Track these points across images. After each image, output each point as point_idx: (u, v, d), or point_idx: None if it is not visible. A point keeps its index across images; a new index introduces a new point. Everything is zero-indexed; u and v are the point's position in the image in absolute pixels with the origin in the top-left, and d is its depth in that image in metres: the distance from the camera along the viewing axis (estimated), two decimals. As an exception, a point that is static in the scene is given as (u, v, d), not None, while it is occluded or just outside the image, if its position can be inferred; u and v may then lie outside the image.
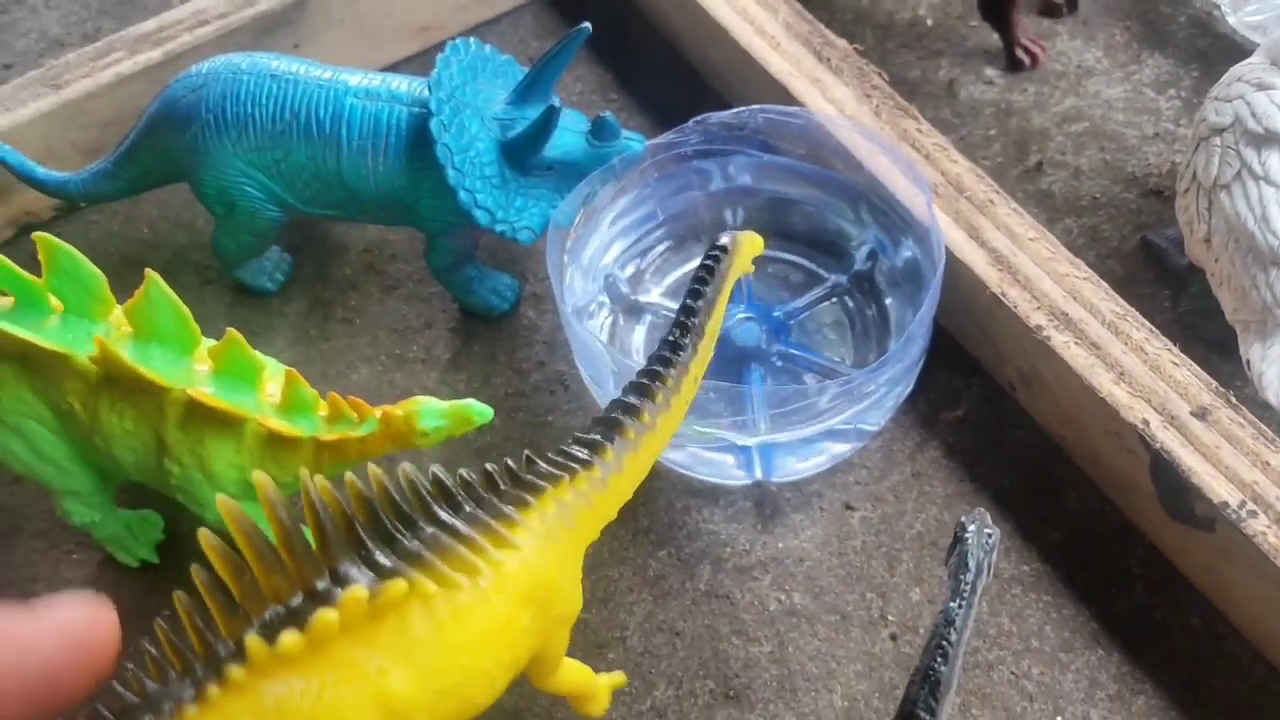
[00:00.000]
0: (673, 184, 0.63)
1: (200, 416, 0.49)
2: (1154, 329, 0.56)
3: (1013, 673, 0.53)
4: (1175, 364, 0.54)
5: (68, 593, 0.32)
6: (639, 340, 0.62)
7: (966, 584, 0.44)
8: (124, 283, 0.52)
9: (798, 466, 0.57)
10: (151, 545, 0.57)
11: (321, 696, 0.37)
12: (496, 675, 0.41)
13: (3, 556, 0.58)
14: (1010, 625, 0.54)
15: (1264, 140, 0.55)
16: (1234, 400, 0.53)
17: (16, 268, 0.50)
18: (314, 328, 0.65)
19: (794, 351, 0.60)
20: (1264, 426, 0.52)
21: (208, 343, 0.50)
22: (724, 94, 0.72)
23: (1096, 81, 0.74)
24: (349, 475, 0.38)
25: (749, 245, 0.50)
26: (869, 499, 0.58)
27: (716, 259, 0.48)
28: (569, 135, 0.58)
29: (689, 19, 0.72)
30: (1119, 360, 0.55)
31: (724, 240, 0.48)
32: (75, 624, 0.33)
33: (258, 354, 0.50)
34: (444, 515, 0.40)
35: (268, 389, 0.50)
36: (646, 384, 0.45)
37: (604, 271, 0.62)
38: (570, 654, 0.46)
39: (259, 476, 0.37)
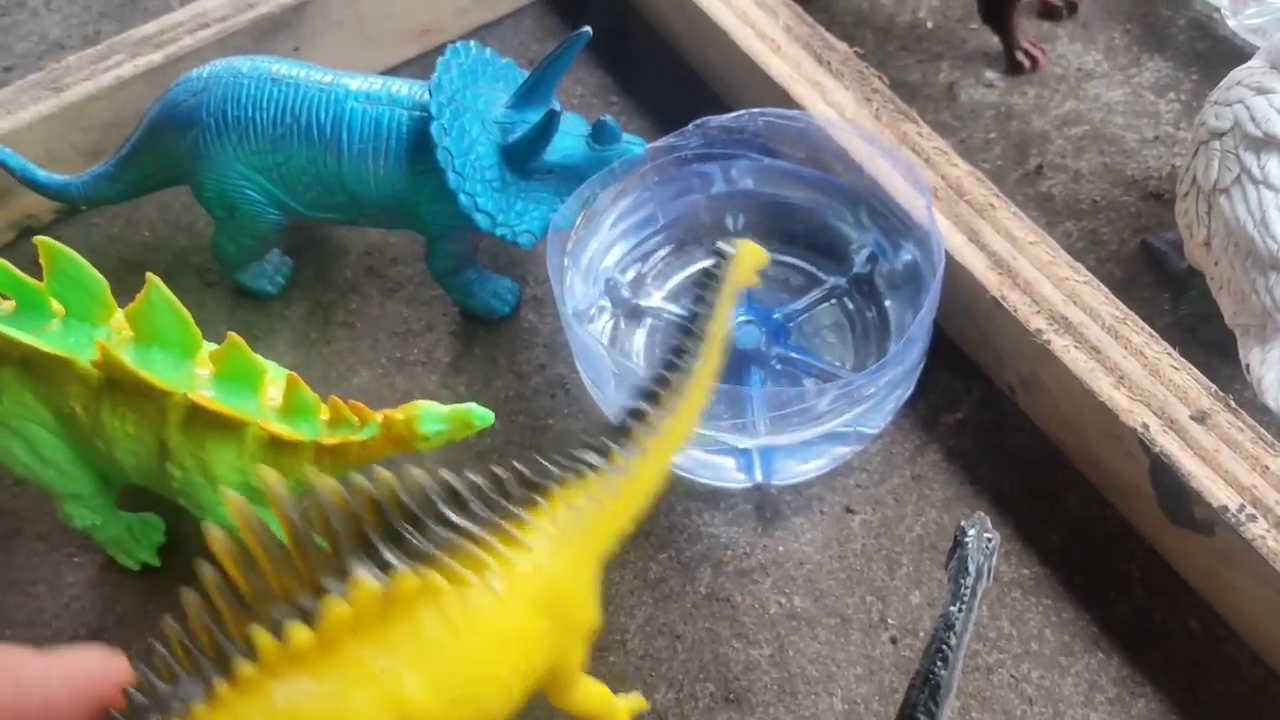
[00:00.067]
0: (673, 187, 0.63)
1: (202, 420, 0.49)
2: (1154, 333, 0.56)
3: (1013, 676, 0.53)
4: (1175, 368, 0.54)
5: (86, 645, 0.32)
6: (640, 344, 0.62)
7: (966, 588, 0.44)
8: (125, 285, 0.53)
9: (798, 469, 0.58)
10: (153, 548, 0.57)
11: (332, 699, 0.36)
12: (513, 683, 0.40)
13: (4, 559, 0.58)
14: (1010, 628, 0.54)
15: (1263, 144, 0.55)
16: (1233, 404, 0.53)
17: (18, 272, 0.50)
18: (315, 331, 0.66)
19: (794, 354, 0.60)
20: (1263, 430, 0.52)
21: (209, 346, 0.51)
22: (724, 97, 0.72)
23: (1096, 84, 0.74)
24: (356, 476, 0.38)
25: (750, 254, 0.49)
26: (869, 502, 0.58)
27: (717, 265, 0.47)
28: (569, 139, 0.58)
29: (689, 22, 0.72)
30: (1119, 364, 0.55)
31: (723, 246, 0.48)
32: (83, 669, 0.33)
33: (259, 358, 0.50)
34: (453, 516, 0.39)
35: (269, 393, 0.50)
36: (652, 389, 0.44)
37: (605, 275, 0.62)
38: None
39: (268, 475, 0.37)
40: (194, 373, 0.50)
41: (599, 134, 0.58)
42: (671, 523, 0.58)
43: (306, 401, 0.49)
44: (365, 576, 0.36)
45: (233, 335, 0.49)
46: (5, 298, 0.51)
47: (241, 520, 0.36)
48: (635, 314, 0.62)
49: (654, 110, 0.74)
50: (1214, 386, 0.54)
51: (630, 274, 0.63)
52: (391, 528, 0.38)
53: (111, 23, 0.82)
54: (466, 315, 0.65)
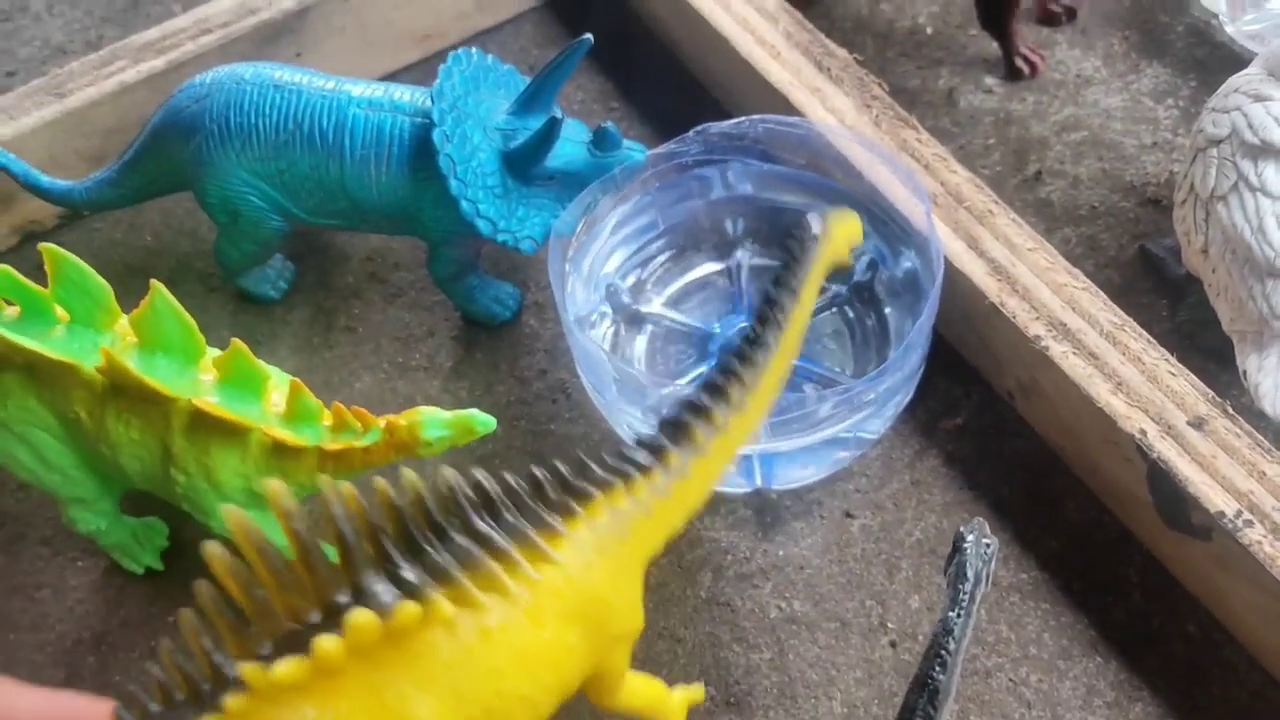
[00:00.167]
0: (674, 193, 0.63)
1: (205, 426, 0.49)
2: (1151, 339, 0.56)
3: (1011, 680, 0.53)
4: (1172, 374, 0.55)
5: (76, 694, 0.31)
6: (640, 349, 0.62)
7: (965, 593, 0.45)
8: (127, 290, 0.53)
9: (798, 474, 0.58)
10: (156, 552, 0.58)
11: None
12: (539, 699, 0.38)
13: (9, 563, 0.59)
14: (1009, 633, 0.55)
15: (1260, 152, 0.55)
16: (1230, 410, 0.54)
17: (23, 278, 0.51)
18: (317, 336, 0.66)
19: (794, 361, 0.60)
20: (1260, 436, 0.53)
21: (213, 352, 0.51)
22: (724, 103, 0.73)
23: (1095, 90, 0.74)
24: (379, 481, 0.36)
25: (845, 227, 0.44)
26: (869, 507, 0.59)
27: (802, 244, 0.43)
28: (570, 145, 0.59)
29: (689, 28, 0.73)
30: (1117, 370, 0.55)
31: (811, 223, 0.44)
32: (71, 713, 0.32)
33: (262, 364, 0.50)
34: (480, 525, 0.37)
35: (272, 398, 0.50)
36: (720, 382, 0.41)
37: (605, 281, 0.62)
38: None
39: (273, 485, 0.35)
40: (198, 378, 0.50)
41: (600, 140, 0.58)
42: (672, 527, 0.58)
43: (310, 407, 0.49)
44: (359, 611, 0.34)
45: (236, 341, 0.49)
46: (10, 304, 0.51)
47: (241, 535, 0.34)
48: (636, 319, 0.62)
49: (654, 116, 0.74)
50: (1211, 392, 0.54)
51: (631, 279, 0.64)
52: (413, 538, 0.36)
53: (114, 28, 0.82)
54: (468, 320, 0.66)
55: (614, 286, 0.62)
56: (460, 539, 0.36)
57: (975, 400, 0.62)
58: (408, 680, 0.35)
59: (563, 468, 0.39)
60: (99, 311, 0.51)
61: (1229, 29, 0.75)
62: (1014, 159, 0.71)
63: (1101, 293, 0.58)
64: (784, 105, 0.66)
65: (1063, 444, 0.59)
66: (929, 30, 0.78)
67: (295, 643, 0.34)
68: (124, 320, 0.51)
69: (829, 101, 0.66)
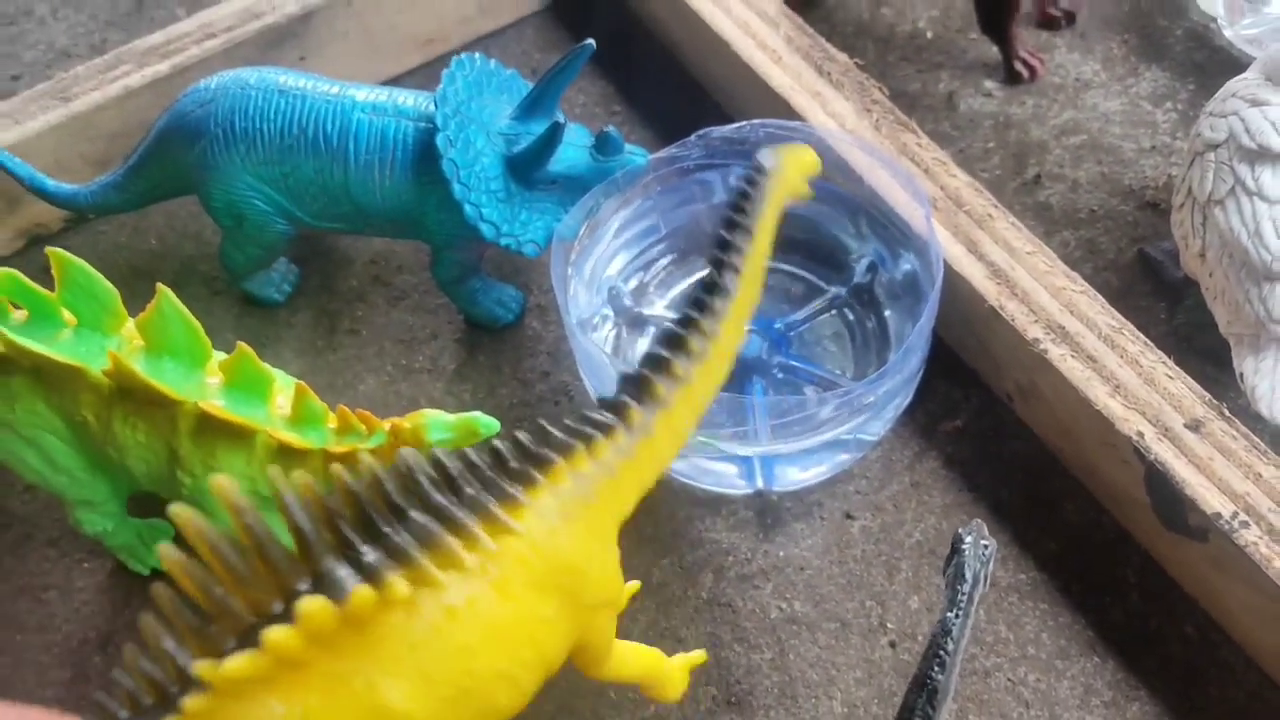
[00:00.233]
0: (675, 197, 0.64)
1: (212, 429, 0.50)
2: (1149, 342, 0.57)
3: (1009, 679, 0.54)
4: (1170, 377, 0.55)
5: (58, 712, 0.31)
6: (643, 349, 0.62)
7: (963, 594, 0.45)
8: (133, 293, 0.53)
9: (798, 476, 0.58)
10: (162, 554, 0.58)
11: (304, 718, 0.34)
12: (519, 674, 0.37)
13: (15, 564, 0.59)
14: (1007, 633, 0.55)
15: (1257, 156, 0.55)
16: (1227, 413, 0.54)
17: (30, 282, 0.51)
18: (321, 339, 0.66)
19: (794, 363, 0.61)
20: (1256, 439, 0.53)
21: (218, 356, 0.51)
22: (726, 107, 0.73)
23: (1094, 94, 0.74)
24: (336, 468, 0.36)
25: (796, 162, 0.42)
26: (869, 508, 0.59)
27: (753, 181, 0.41)
28: (573, 150, 0.59)
29: (691, 32, 0.73)
30: (1115, 373, 0.55)
31: (762, 159, 0.42)
32: None
33: (268, 367, 0.51)
34: (438, 499, 0.36)
35: (278, 402, 0.51)
36: (678, 333, 0.40)
37: (608, 284, 0.63)
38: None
39: (220, 481, 0.34)
40: (204, 382, 0.50)
41: (602, 145, 0.59)
42: (674, 529, 0.59)
43: (315, 410, 0.50)
44: (311, 598, 0.33)
45: (242, 345, 0.50)
46: (17, 307, 0.52)
47: (193, 533, 0.34)
48: (638, 322, 0.63)
49: (656, 120, 0.74)
50: (1208, 395, 0.55)
51: (633, 283, 0.64)
52: (372, 521, 0.35)
53: (118, 31, 0.83)
54: (471, 323, 0.66)
55: (616, 289, 0.63)
56: (418, 516, 0.35)
57: (974, 403, 0.62)
58: (374, 666, 0.34)
59: (523, 437, 0.38)
60: (106, 315, 0.51)
61: (1227, 33, 0.75)
62: (1013, 162, 0.72)
63: (1100, 296, 0.58)
64: (785, 109, 0.66)
65: (1061, 446, 0.59)
66: (929, 34, 0.79)
67: (257, 637, 0.33)
68: (130, 324, 0.52)
69: (829, 106, 0.66)
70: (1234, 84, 0.59)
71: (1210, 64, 0.75)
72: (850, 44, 0.77)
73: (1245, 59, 0.73)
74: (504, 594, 0.36)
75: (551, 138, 0.57)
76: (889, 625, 0.55)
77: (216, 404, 0.49)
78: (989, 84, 0.76)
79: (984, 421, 0.61)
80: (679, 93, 0.75)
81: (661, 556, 0.58)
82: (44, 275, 0.51)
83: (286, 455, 0.50)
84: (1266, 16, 0.74)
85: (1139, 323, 0.58)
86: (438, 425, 0.49)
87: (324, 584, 0.34)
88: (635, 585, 0.47)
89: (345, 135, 0.59)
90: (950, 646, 0.45)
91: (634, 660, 0.44)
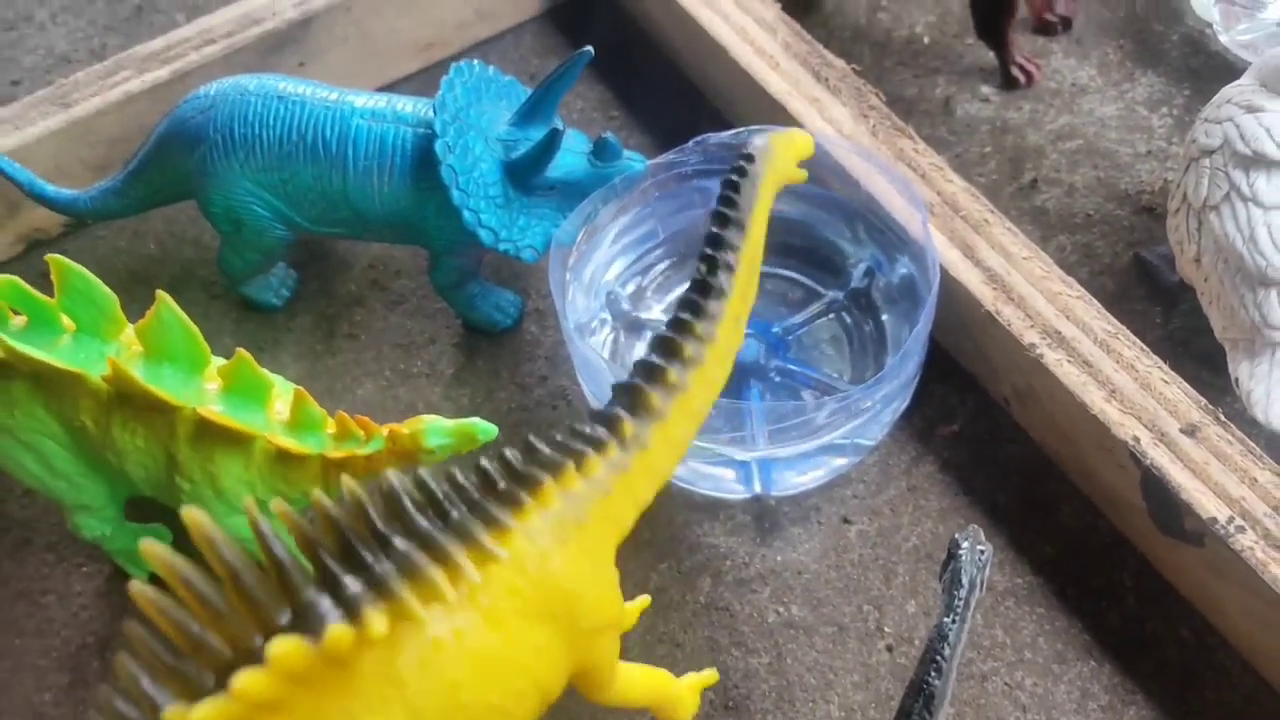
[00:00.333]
0: (674, 202, 0.64)
1: (210, 434, 0.50)
2: (1145, 347, 0.57)
3: (1006, 684, 0.54)
4: (1165, 381, 0.55)
5: None
6: (640, 356, 0.62)
7: (960, 599, 0.45)
8: (131, 298, 0.54)
9: (796, 481, 0.58)
10: (160, 558, 0.58)
11: None
12: (512, 706, 0.36)
13: (14, 569, 0.59)
14: (1004, 637, 0.55)
15: (1252, 162, 0.56)
16: (1222, 417, 0.54)
17: (30, 288, 0.51)
18: (319, 343, 0.66)
19: (792, 368, 0.61)
20: (1252, 443, 0.53)
21: (217, 361, 0.51)
22: (724, 112, 0.73)
23: (1090, 99, 0.75)
24: (316, 494, 0.34)
25: (787, 147, 0.40)
26: (866, 513, 0.59)
27: (741, 171, 0.40)
28: (571, 156, 0.59)
29: (689, 38, 0.73)
30: (1110, 378, 0.56)
31: (751, 147, 0.40)
32: None
33: (266, 372, 0.51)
34: (422, 524, 0.34)
35: (276, 407, 0.51)
36: (672, 338, 0.38)
37: (606, 289, 0.63)
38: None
39: (194, 514, 0.33)
40: (203, 387, 0.50)
41: (600, 151, 0.59)
42: (672, 533, 0.59)
43: (313, 416, 0.50)
44: (284, 639, 0.31)
45: (241, 351, 0.50)
46: (17, 313, 0.52)
47: (165, 569, 0.32)
48: (636, 327, 0.63)
49: (654, 125, 0.75)
50: (1204, 400, 0.55)
51: (631, 288, 0.64)
52: (354, 551, 0.34)
53: (118, 36, 0.83)
54: (469, 328, 0.66)
55: (614, 294, 0.63)
56: (401, 544, 0.34)
57: (971, 407, 0.62)
58: (358, 703, 0.33)
59: (511, 455, 0.36)
60: (105, 321, 0.51)
61: (1223, 39, 0.75)
62: (1010, 167, 0.72)
63: (1095, 301, 0.59)
64: (782, 115, 0.66)
65: (1057, 450, 0.59)
66: (926, 40, 0.79)
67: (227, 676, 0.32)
68: (130, 330, 0.52)
69: (827, 111, 0.66)
70: (1229, 90, 0.59)
71: (1205, 69, 0.75)
72: (847, 49, 0.78)
73: (1240, 65, 0.73)
74: (493, 624, 0.34)
75: (550, 144, 0.57)
76: (886, 630, 0.56)
77: (215, 409, 0.49)
78: (985, 89, 0.76)
79: (981, 426, 0.62)
80: (677, 98, 0.75)
81: (659, 561, 0.58)
82: (43, 281, 0.52)
83: (284, 461, 0.50)
84: (1261, 22, 0.74)
85: (1135, 327, 0.58)
86: (436, 430, 0.49)
87: (304, 617, 0.33)
88: (644, 601, 0.45)
89: (344, 141, 0.59)
90: (947, 651, 0.45)
91: (640, 683, 0.43)
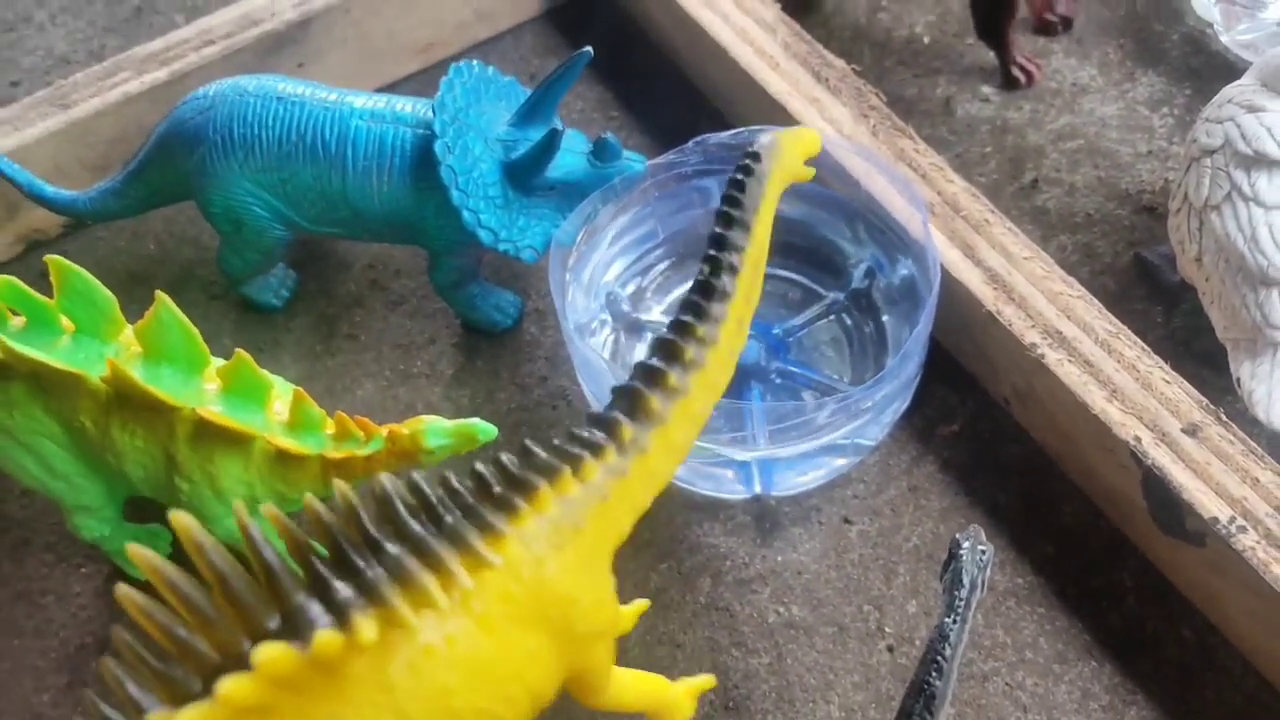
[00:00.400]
0: (673, 203, 0.64)
1: (209, 435, 0.50)
2: (1146, 347, 0.57)
3: (1007, 684, 0.54)
4: (1166, 381, 0.55)
5: None
6: (640, 357, 0.62)
7: (960, 600, 0.45)
8: (131, 298, 0.54)
9: (796, 481, 0.58)
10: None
11: None
12: (505, 712, 0.36)
13: (13, 569, 0.59)
14: (1005, 637, 0.55)
15: (1253, 162, 0.56)
16: (1224, 417, 0.54)
17: (29, 289, 0.51)
18: (319, 343, 0.66)
19: (792, 368, 0.61)
20: (1253, 443, 0.53)
21: (217, 362, 0.51)
22: (724, 113, 0.73)
23: (1091, 99, 0.75)
24: (308, 498, 0.34)
25: (794, 145, 0.40)
26: (866, 513, 0.59)
27: (747, 169, 0.39)
28: (571, 156, 0.59)
29: (689, 39, 0.73)
30: (1111, 378, 0.56)
31: (758, 145, 0.39)
32: None
33: (265, 373, 0.51)
34: (415, 530, 0.34)
35: (275, 408, 0.51)
36: (673, 340, 0.37)
37: (605, 289, 0.63)
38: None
39: (182, 519, 0.33)
40: (202, 388, 0.50)
41: (600, 151, 0.59)
42: (672, 533, 0.59)
43: (312, 416, 0.50)
44: (271, 645, 0.31)
45: (240, 351, 0.50)
46: (16, 314, 0.52)
47: (153, 573, 0.32)
48: (635, 327, 0.63)
49: (654, 125, 0.75)
50: (1205, 400, 0.55)
51: (631, 288, 0.64)
52: (346, 553, 0.33)
53: (117, 37, 0.83)
54: (469, 328, 0.66)
55: (614, 295, 0.63)
56: (393, 549, 0.34)
57: (972, 407, 0.62)
58: (347, 709, 0.33)
59: (506, 459, 0.36)
60: (104, 322, 0.51)
61: (1223, 38, 0.75)
62: (1010, 167, 0.72)
63: (1096, 300, 0.59)
64: (782, 115, 0.66)
65: (1058, 450, 0.59)
66: (926, 40, 0.79)
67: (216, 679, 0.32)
68: (129, 330, 0.52)
69: (827, 111, 0.66)
70: (1230, 90, 0.59)
71: (1206, 69, 0.75)
72: (847, 49, 0.78)
73: (1241, 64, 0.73)
74: (486, 630, 0.34)
75: (549, 144, 0.57)
76: (887, 630, 0.55)
77: (214, 410, 0.49)
78: (986, 89, 0.76)
79: (981, 426, 0.61)
80: (677, 99, 0.75)
81: (659, 561, 0.58)
82: (42, 281, 0.52)
83: (284, 461, 0.50)
84: (1262, 22, 0.74)
85: (1136, 327, 0.58)
86: (435, 431, 0.49)
87: (293, 622, 0.32)
88: (642, 605, 0.44)
89: (343, 142, 0.59)
90: (948, 651, 0.45)
91: (635, 688, 0.42)
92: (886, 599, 0.56)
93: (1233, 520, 0.51)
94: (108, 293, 0.51)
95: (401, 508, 0.34)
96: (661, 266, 0.65)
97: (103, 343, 0.51)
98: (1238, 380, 0.56)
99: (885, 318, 0.62)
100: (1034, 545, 0.58)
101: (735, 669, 0.55)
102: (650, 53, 0.78)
